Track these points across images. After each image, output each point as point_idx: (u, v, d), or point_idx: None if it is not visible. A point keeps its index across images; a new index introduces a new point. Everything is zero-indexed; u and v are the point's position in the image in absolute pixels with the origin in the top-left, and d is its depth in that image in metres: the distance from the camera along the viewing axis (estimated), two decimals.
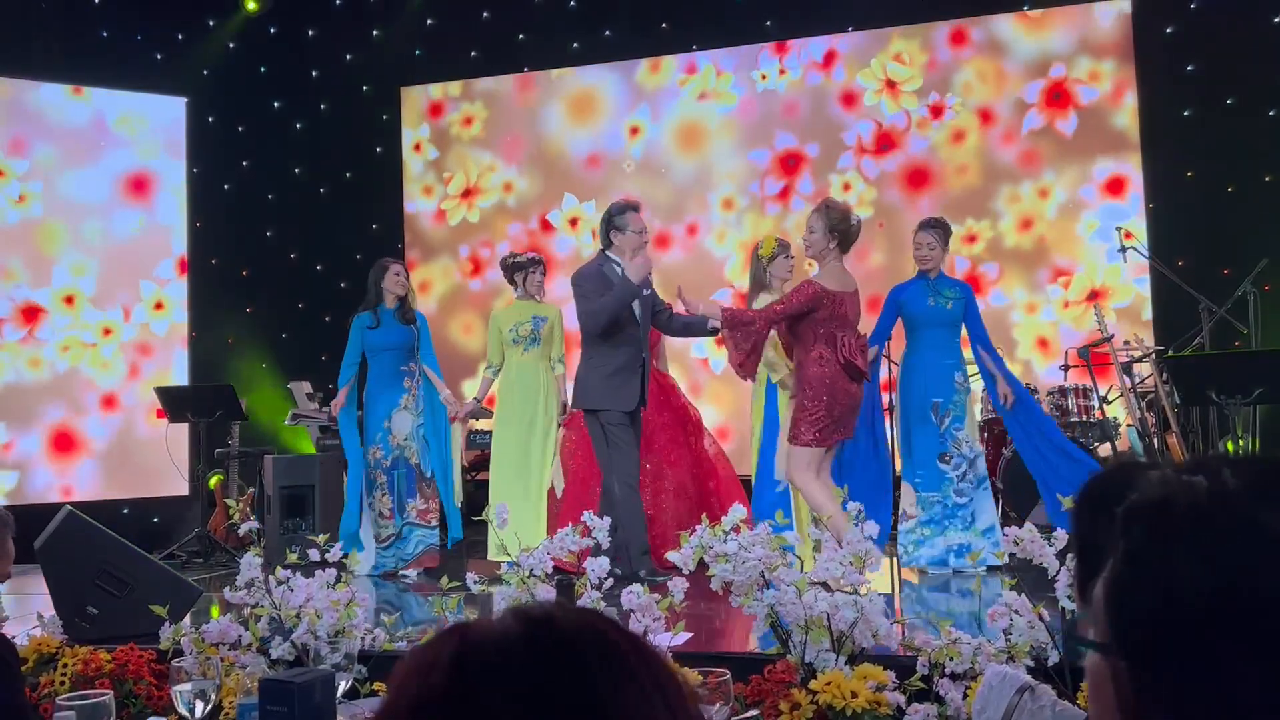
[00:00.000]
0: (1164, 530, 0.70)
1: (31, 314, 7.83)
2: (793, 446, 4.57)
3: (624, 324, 4.95)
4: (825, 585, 2.91)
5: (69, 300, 7.95)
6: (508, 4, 8.61)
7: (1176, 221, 7.22)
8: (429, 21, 8.78)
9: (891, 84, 7.92)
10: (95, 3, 8.28)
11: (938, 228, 5.21)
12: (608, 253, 5.06)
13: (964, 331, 5.21)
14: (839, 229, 4.58)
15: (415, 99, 8.97)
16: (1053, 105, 7.62)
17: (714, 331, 5.01)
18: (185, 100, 8.53)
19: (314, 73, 8.93)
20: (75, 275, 7.99)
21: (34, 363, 7.84)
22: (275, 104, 8.93)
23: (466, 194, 8.83)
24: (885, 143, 7.93)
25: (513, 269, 5.84)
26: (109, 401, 8.05)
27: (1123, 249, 6.29)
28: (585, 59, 8.54)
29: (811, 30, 8.09)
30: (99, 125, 8.13)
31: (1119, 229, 6.40)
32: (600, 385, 4.91)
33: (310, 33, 8.90)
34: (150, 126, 8.32)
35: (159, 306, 8.25)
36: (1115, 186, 7.46)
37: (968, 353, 5.24)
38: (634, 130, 8.45)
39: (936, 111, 7.84)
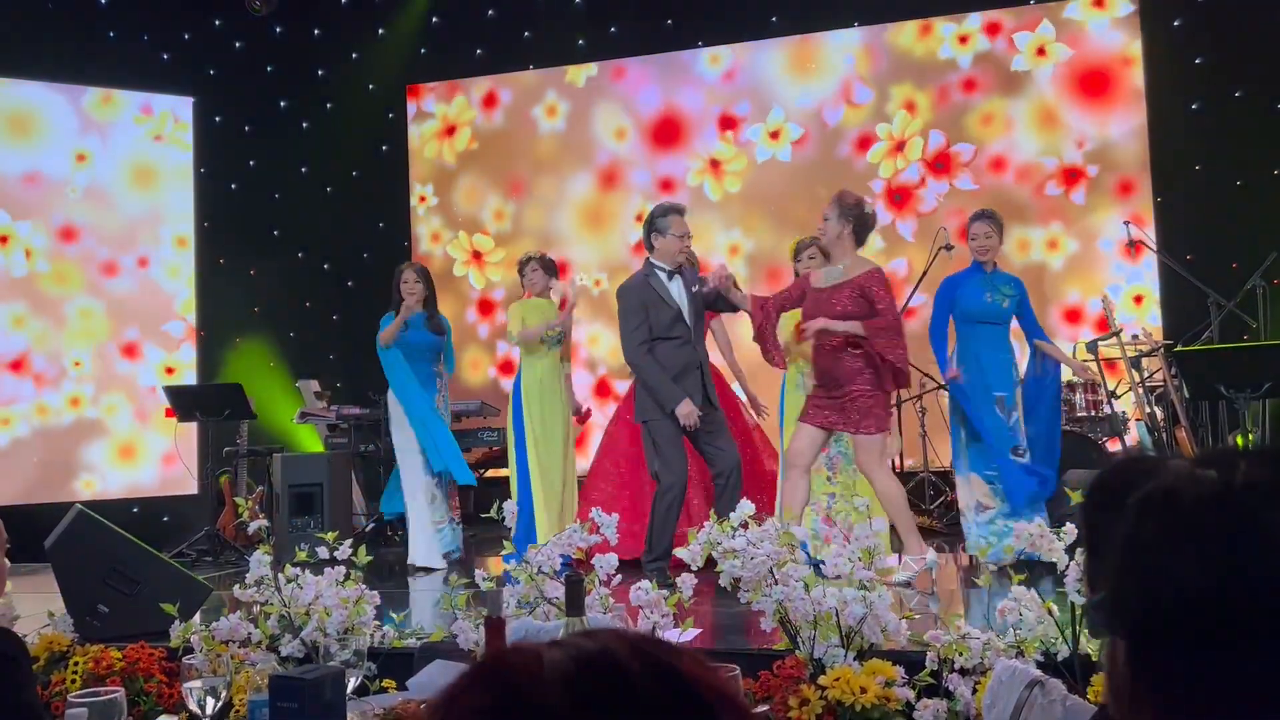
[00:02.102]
0: (1167, 523, 0.72)
1: (40, 365, 7.92)
2: (863, 438, 4.55)
3: (670, 332, 4.84)
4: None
5: (77, 364, 8.03)
6: (513, 2, 8.61)
7: (1185, 216, 7.19)
8: (434, 20, 8.79)
9: (900, 144, 7.85)
10: (101, 4, 8.31)
11: (993, 219, 5.10)
12: (651, 260, 4.92)
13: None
14: (852, 215, 4.59)
15: (419, 143, 8.94)
16: (1070, 177, 7.53)
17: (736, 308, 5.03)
18: (192, 100, 8.56)
19: (320, 72, 8.95)
20: (83, 319, 8.06)
21: (41, 410, 7.89)
22: (282, 103, 8.94)
23: (476, 256, 8.79)
24: (900, 194, 7.84)
25: (540, 266, 5.79)
26: (126, 452, 8.15)
27: (1131, 243, 6.27)
28: (590, 56, 8.54)
29: (816, 26, 8.07)
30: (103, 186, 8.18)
31: (1127, 223, 6.38)
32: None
33: (316, 32, 8.92)
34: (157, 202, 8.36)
35: (170, 370, 8.31)
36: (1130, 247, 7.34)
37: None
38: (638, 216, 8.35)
39: (945, 164, 7.74)
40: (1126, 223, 6.39)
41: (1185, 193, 7.23)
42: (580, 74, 8.58)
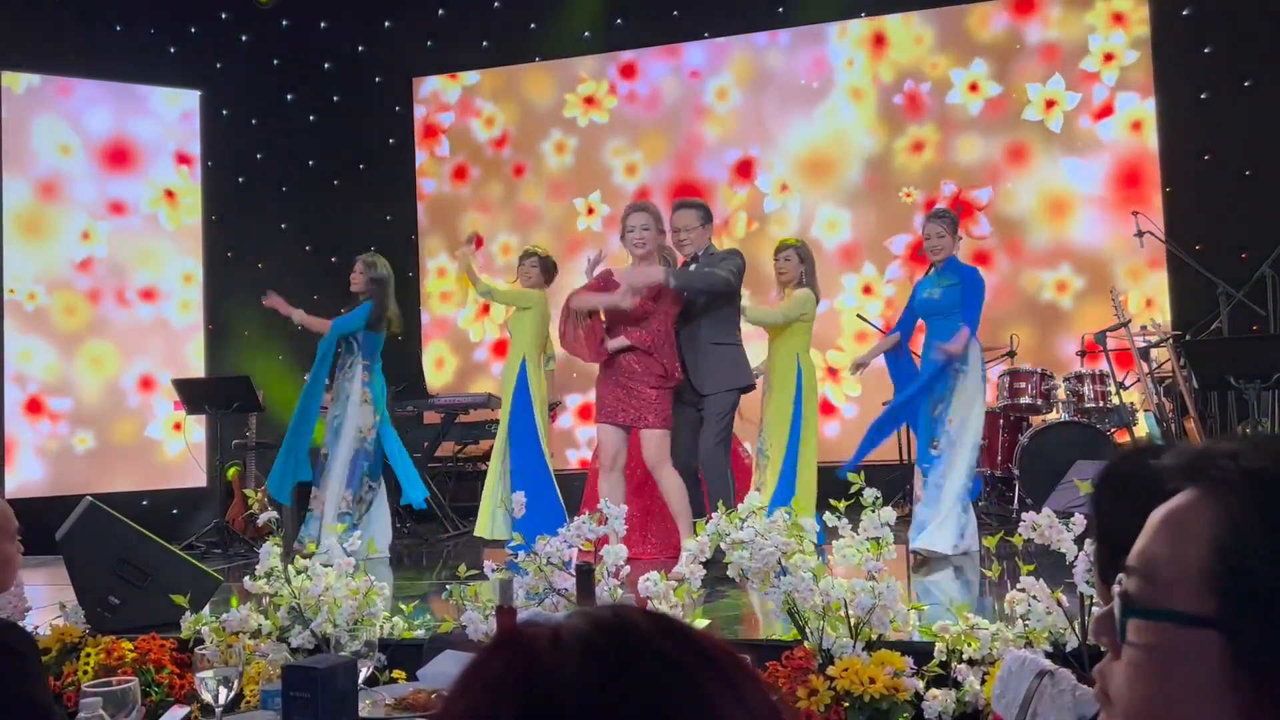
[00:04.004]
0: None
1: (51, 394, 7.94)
2: (656, 431, 4.66)
3: None
4: None
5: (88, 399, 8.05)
6: None
7: (1194, 205, 7.16)
8: (440, 12, 8.78)
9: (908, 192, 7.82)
10: None
11: (944, 218, 5.15)
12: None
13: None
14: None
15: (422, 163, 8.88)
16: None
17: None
18: (199, 93, 8.57)
19: (326, 65, 8.95)
20: (91, 353, 8.08)
21: (50, 440, 7.92)
22: (288, 96, 8.95)
23: (485, 309, 8.69)
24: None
25: (539, 265, 5.90)
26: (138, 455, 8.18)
27: (1139, 234, 6.24)
28: (596, 48, 8.53)
29: (824, 17, 8.05)
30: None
31: (1135, 213, 6.36)
32: None
33: (322, 25, 8.92)
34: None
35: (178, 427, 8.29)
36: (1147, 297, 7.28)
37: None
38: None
39: (967, 210, 7.67)
40: (1135, 213, 6.37)
41: (1194, 183, 7.19)
42: (577, 110, 8.55)
